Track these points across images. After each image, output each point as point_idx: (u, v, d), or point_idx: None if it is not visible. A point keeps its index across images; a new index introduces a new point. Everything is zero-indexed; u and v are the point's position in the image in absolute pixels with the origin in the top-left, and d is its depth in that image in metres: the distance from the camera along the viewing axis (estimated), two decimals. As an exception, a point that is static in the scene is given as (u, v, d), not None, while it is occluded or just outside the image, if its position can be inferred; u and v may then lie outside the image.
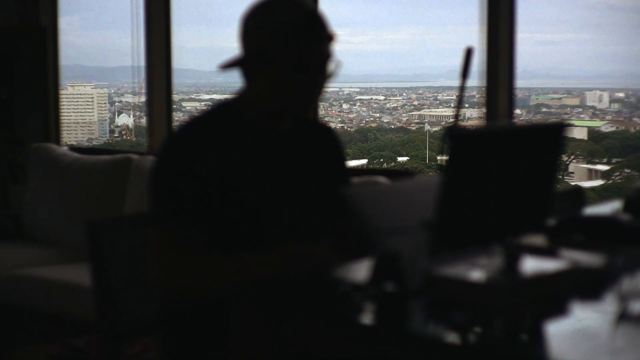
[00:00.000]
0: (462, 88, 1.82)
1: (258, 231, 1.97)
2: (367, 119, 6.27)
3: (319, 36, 1.92)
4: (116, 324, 2.24)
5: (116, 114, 6.78)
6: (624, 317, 1.45)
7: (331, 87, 1.93)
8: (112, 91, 6.89)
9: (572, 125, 5.07)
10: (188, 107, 6.32)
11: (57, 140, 5.33)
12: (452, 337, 1.37)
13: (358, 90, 6.45)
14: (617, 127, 5.38)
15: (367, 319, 1.50)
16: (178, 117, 5.35)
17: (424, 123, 6.06)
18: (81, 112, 6.60)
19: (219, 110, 2.03)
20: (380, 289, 1.55)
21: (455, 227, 1.56)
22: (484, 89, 3.82)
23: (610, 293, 1.59)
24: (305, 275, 1.78)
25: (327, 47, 1.94)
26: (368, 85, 6.51)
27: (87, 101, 6.62)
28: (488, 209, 1.61)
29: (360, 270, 1.72)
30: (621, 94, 5.61)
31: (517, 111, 4.50)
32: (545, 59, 5.44)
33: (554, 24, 5.25)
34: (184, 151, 1.92)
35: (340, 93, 6.40)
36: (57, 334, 3.58)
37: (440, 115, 6.07)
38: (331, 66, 1.96)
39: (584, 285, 1.66)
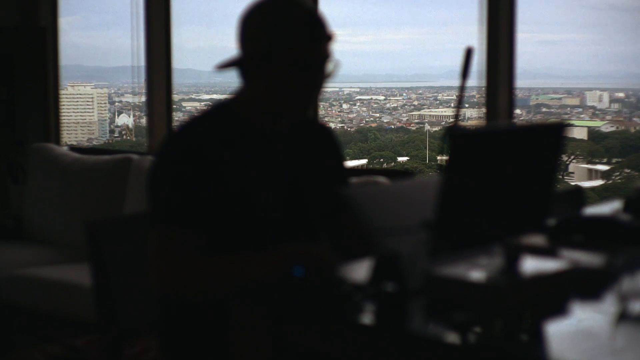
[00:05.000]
0: (462, 88, 1.82)
1: (257, 230, 1.97)
2: (367, 119, 6.27)
3: (318, 35, 1.93)
4: (116, 324, 2.24)
5: (116, 114, 6.78)
6: (624, 317, 1.45)
7: (331, 87, 1.94)
8: (112, 91, 6.89)
9: (572, 125, 5.07)
10: (188, 107, 6.32)
11: (57, 140, 5.33)
12: (452, 337, 1.37)
13: (358, 90, 6.45)
14: (617, 127, 5.38)
15: (367, 319, 1.50)
16: (178, 117, 5.35)
17: (424, 123, 6.06)
18: (81, 112, 6.60)
19: (216, 110, 2.03)
20: (380, 289, 1.55)
21: (455, 227, 1.56)
22: (484, 89, 3.82)
23: (610, 293, 1.59)
24: (305, 275, 1.78)
25: (326, 47, 1.95)
26: (368, 85, 6.51)
27: (87, 101, 6.62)
28: (488, 209, 1.61)
29: (360, 270, 1.72)
30: (621, 94, 5.61)
31: (517, 111, 4.50)
32: (545, 59, 5.44)
33: (554, 24, 5.25)
34: (181, 151, 1.92)
35: (340, 93, 6.40)
36: (57, 334, 3.58)
37: (440, 115, 6.07)
38: (330, 66, 1.96)
39: (584, 285, 1.66)
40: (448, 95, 6.18)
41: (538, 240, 1.88)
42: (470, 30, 4.06)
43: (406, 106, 6.30)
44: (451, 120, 2.04)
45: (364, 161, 5.74)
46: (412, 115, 6.19)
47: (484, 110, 3.83)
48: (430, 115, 6.11)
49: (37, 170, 4.52)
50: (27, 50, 5.11)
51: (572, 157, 5.31)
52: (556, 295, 1.59)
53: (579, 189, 2.78)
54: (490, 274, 1.54)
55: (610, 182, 5.13)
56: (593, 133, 5.41)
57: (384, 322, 1.49)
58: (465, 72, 1.82)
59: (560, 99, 5.77)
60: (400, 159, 5.74)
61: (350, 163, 5.48)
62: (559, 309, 1.55)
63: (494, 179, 1.60)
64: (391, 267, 1.57)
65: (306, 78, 1.93)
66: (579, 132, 5.34)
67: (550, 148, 1.69)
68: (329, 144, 2.18)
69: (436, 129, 5.86)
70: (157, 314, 2.06)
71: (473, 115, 5.04)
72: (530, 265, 1.60)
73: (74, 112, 6.52)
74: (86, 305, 3.39)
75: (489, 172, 1.58)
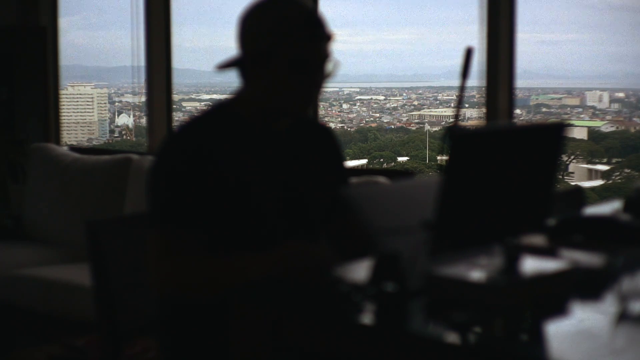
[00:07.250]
0: (462, 88, 1.82)
1: (257, 230, 1.97)
2: (367, 119, 6.27)
3: (317, 35, 1.93)
4: (116, 324, 2.24)
5: (116, 114, 6.78)
6: (624, 317, 1.45)
7: (331, 87, 1.94)
8: (112, 91, 6.89)
9: (572, 125, 5.07)
10: (188, 107, 6.32)
11: (57, 140, 5.33)
12: (452, 337, 1.37)
13: (358, 90, 6.45)
14: (617, 127, 5.38)
15: (367, 319, 1.50)
16: (178, 117, 5.35)
17: (424, 123, 6.06)
18: (81, 112, 6.60)
19: (216, 110, 2.03)
20: (380, 289, 1.55)
21: (455, 227, 1.56)
22: (484, 89, 3.82)
23: (610, 293, 1.59)
24: (304, 275, 1.78)
25: (326, 47, 1.95)
26: (368, 85, 6.51)
27: (87, 101, 6.62)
28: (488, 209, 1.61)
29: (360, 270, 1.72)
30: (621, 94, 5.61)
31: (517, 111, 4.50)
32: (545, 59, 5.44)
33: (554, 24, 5.25)
34: (181, 152, 1.92)
35: (340, 93, 6.40)
36: (57, 334, 3.58)
37: (440, 115, 6.07)
38: (329, 66, 1.96)
39: (584, 285, 1.65)
40: (448, 95, 6.18)
41: (538, 240, 1.88)
42: (470, 30, 4.06)
43: (406, 106, 6.30)
44: (451, 120, 2.04)
45: (364, 161, 5.74)
46: (412, 115, 6.19)
47: (484, 110, 3.83)
48: (430, 115, 6.11)
49: (37, 170, 4.51)
50: (27, 50, 5.11)
51: (572, 157, 5.31)
52: (556, 295, 1.59)
53: (579, 189, 2.77)
54: (490, 274, 1.54)
55: (610, 182, 5.13)
56: (593, 133, 5.41)
57: (384, 322, 1.49)
58: (465, 72, 1.82)
59: (560, 99, 5.77)
60: (400, 159, 5.74)
61: (350, 163, 5.48)
62: (559, 309, 1.55)
63: (494, 179, 1.59)
64: (391, 267, 1.57)
65: (306, 78, 1.93)
66: (579, 132, 5.34)
67: (550, 148, 1.69)
68: (329, 144, 2.18)
69: (436, 129, 5.86)
70: (157, 314, 2.06)
71: (473, 115, 5.04)
72: (530, 265, 1.60)
73: (74, 112, 6.52)
74: (86, 305, 3.39)
75: (489, 172, 1.58)
